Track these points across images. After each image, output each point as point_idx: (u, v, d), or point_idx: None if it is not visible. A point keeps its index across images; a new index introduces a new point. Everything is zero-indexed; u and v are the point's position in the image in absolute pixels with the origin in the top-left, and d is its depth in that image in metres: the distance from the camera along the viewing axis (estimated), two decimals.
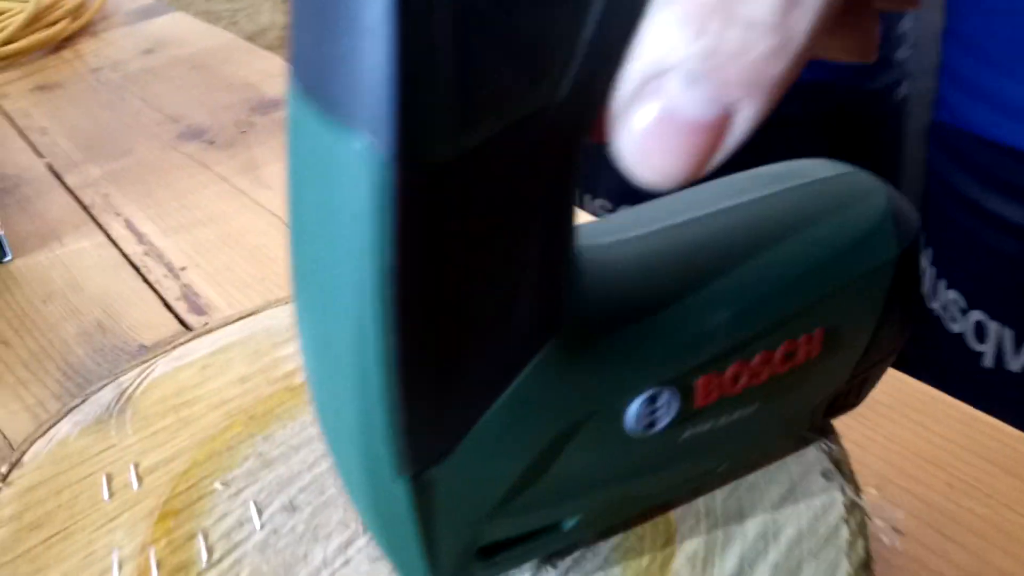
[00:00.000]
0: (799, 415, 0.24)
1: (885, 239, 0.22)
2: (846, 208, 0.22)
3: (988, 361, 0.63)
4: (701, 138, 0.14)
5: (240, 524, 0.25)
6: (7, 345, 0.43)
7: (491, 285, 0.16)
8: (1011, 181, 0.60)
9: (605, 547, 0.23)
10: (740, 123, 0.14)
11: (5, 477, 0.27)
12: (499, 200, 0.15)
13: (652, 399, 0.20)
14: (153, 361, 0.31)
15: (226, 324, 0.33)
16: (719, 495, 0.25)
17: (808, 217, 0.21)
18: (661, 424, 0.20)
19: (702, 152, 0.15)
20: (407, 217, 0.14)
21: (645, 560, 0.23)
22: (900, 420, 0.35)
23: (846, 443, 0.28)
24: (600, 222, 0.21)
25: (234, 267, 0.47)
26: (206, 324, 0.34)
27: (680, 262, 0.20)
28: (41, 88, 0.69)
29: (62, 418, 0.29)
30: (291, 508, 0.25)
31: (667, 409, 0.20)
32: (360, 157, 0.14)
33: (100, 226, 0.51)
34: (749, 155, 0.21)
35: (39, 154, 0.60)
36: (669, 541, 0.24)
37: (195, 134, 0.60)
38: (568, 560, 0.23)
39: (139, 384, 0.30)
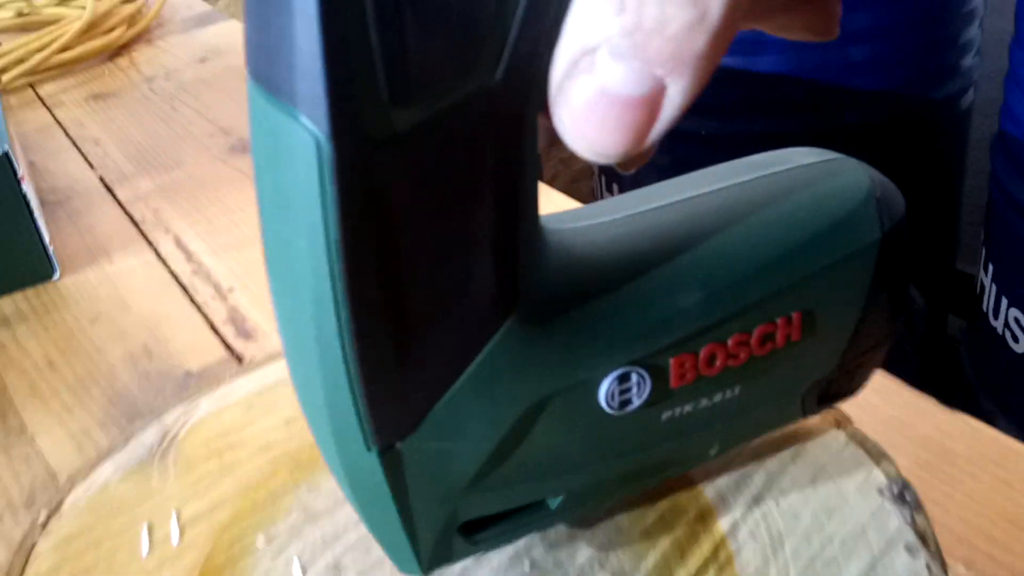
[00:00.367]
0: (786, 400, 0.24)
1: (867, 222, 0.21)
2: (825, 191, 0.21)
3: None
4: (635, 113, 0.15)
5: None
6: (53, 367, 0.42)
7: (443, 261, 0.17)
8: None
9: None
10: (673, 98, 0.15)
11: (44, 525, 0.26)
12: (444, 177, 0.16)
13: (623, 378, 0.20)
14: (197, 399, 0.31)
15: (271, 361, 0.32)
16: (793, 568, 0.23)
17: (784, 200, 0.21)
18: (635, 404, 0.20)
19: (638, 127, 0.15)
20: (347, 193, 0.15)
21: None
22: (981, 476, 0.33)
23: (924, 501, 0.27)
24: (574, 210, 0.21)
25: None
26: (251, 360, 0.33)
27: (648, 242, 0.20)
28: (95, 97, 0.70)
29: (104, 459, 0.28)
30: (336, 569, 0.24)
31: (640, 389, 0.20)
32: (301, 136, 0.15)
33: (149, 243, 0.51)
34: None
35: (91, 166, 0.60)
36: None
37: (245, 147, 0.60)
38: None
39: (183, 424, 0.30)
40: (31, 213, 0.46)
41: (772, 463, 0.26)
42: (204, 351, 0.42)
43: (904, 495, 0.25)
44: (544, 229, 0.19)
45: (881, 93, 0.91)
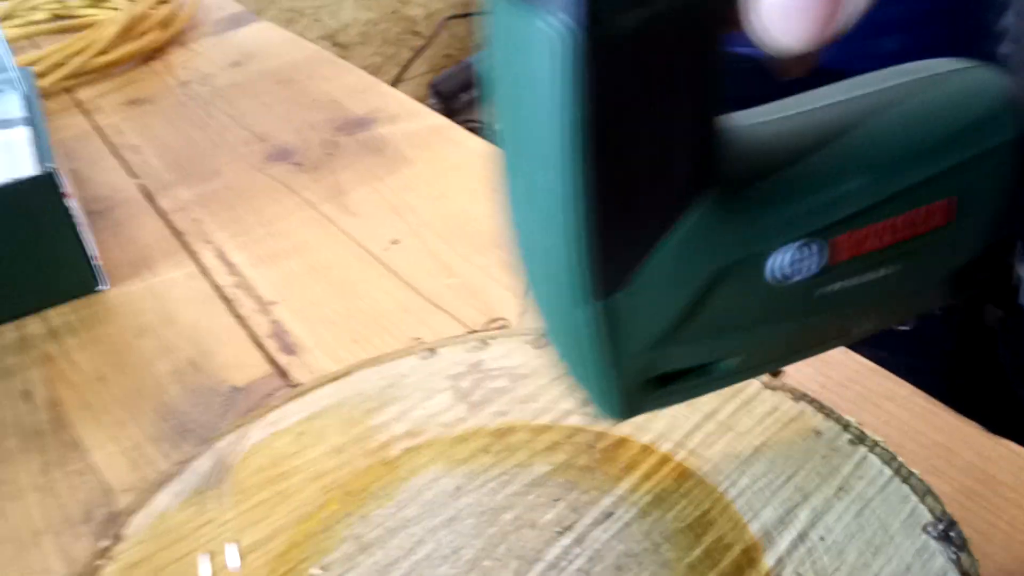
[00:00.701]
0: (934, 281, 0.26)
1: (1003, 122, 0.24)
2: (967, 90, 0.24)
3: None
4: (822, 4, 0.18)
5: None
6: (103, 382, 0.43)
7: (655, 138, 0.20)
8: None
9: None
10: None
11: (106, 552, 0.27)
12: (661, 68, 0.19)
13: (795, 250, 0.22)
14: (248, 425, 0.31)
15: (318, 386, 0.33)
16: None
17: (931, 97, 0.24)
18: (800, 276, 0.23)
19: (824, 17, 0.18)
20: (590, 79, 0.18)
21: None
22: None
23: (966, 529, 0.27)
24: (744, 112, 0.24)
25: (322, 304, 0.47)
26: (295, 378, 0.34)
27: (818, 129, 0.23)
28: (132, 102, 0.71)
29: (161, 487, 0.29)
30: None
31: (807, 262, 0.23)
32: (554, 33, 0.18)
33: (191, 254, 0.52)
34: None
35: (132, 174, 0.61)
36: None
37: (282, 155, 0.60)
38: None
39: (236, 452, 0.30)
40: (77, 228, 0.47)
41: (817, 498, 0.26)
42: (248, 366, 0.43)
43: (949, 534, 0.25)
44: (731, 118, 0.22)
45: None
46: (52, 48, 0.73)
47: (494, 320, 0.40)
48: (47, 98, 0.71)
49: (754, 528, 0.26)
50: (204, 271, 0.50)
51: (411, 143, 0.60)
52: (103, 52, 0.75)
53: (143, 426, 0.40)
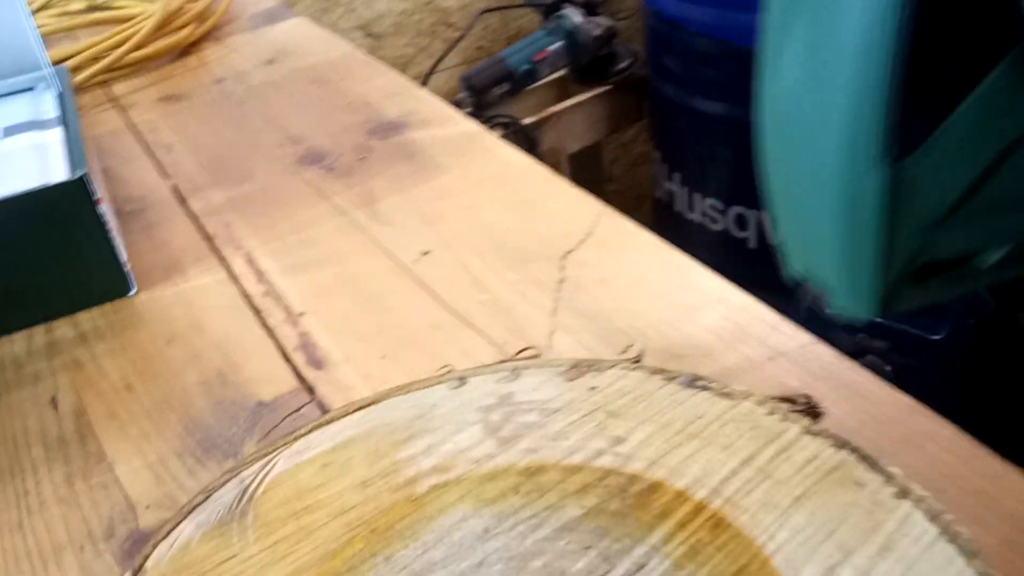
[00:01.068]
0: None
1: None
2: None
3: None
4: None
5: None
6: (131, 391, 0.43)
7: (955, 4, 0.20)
8: None
9: None
10: None
11: None
12: None
13: None
14: (274, 455, 0.31)
15: (346, 414, 0.32)
16: None
17: None
18: None
19: None
20: None
21: None
22: None
23: None
24: None
25: (352, 317, 0.46)
26: (324, 405, 0.33)
27: None
28: (167, 99, 0.70)
29: (184, 518, 0.29)
30: None
31: None
32: None
33: (222, 260, 0.51)
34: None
35: (165, 174, 0.60)
36: None
37: (315, 159, 0.60)
38: None
39: (260, 482, 0.30)
40: (108, 234, 0.47)
41: (860, 556, 0.25)
42: (276, 380, 0.42)
43: None
44: None
45: None
46: (88, 42, 0.73)
47: (525, 349, 0.39)
48: (81, 92, 0.71)
49: None
50: (234, 278, 0.50)
51: (444, 150, 0.59)
52: (140, 46, 0.75)
53: (168, 439, 0.40)
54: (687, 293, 0.44)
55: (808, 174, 0.23)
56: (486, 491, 0.29)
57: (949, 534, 0.26)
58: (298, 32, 0.80)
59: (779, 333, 0.41)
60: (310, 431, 0.32)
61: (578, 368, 0.33)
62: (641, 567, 0.26)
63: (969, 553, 0.26)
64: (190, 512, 0.29)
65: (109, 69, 0.73)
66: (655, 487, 0.28)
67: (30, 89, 0.58)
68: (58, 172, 0.47)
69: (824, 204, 0.23)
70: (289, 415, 0.40)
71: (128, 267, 0.49)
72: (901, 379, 0.37)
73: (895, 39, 0.20)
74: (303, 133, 0.63)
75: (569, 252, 0.48)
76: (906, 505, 0.27)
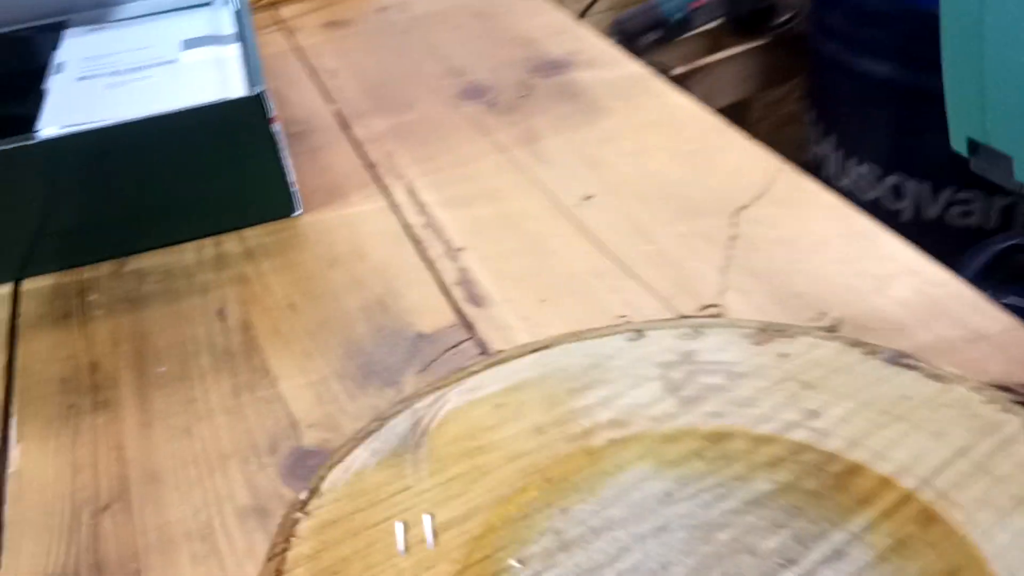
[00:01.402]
0: None
1: None
2: None
3: None
4: None
5: None
6: (295, 310, 0.44)
7: None
8: None
9: None
10: None
11: (304, 505, 0.27)
12: None
13: None
14: (446, 390, 0.30)
15: (519, 356, 0.31)
16: None
17: None
18: None
19: None
20: None
21: None
22: None
23: None
24: None
25: (511, 256, 0.45)
26: (499, 352, 0.32)
27: None
28: (332, 24, 0.70)
29: (359, 443, 0.29)
30: None
31: None
32: None
33: (383, 188, 0.51)
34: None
35: (329, 99, 0.61)
36: None
37: (476, 93, 0.59)
38: None
39: (434, 416, 0.29)
40: (279, 152, 0.47)
41: None
42: (435, 313, 0.42)
43: None
44: None
45: None
46: None
47: (707, 307, 0.37)
48: (253, 12, 0.72)
49: None
50: (395, 207, 0.49)
51: (609, 92, 0.57)
52: None
53: (330, 361, 0.40)
54: (876, 261, 0.41)
55: (1001, 28, 0.20)
56: (667, 452, 0.27)
57: None
58: None
59: (980, 314, 0.37)
60: (482, 369, 0.31)
61: (767, 332, 0.31)
62: (840, 554, 0.24)
63: None
64: (364, 438, 0.28)
65: None
66: (856, 469, 0.26)
67: (208, 4, 0.58)
68: (236, 87, 0.47)
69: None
70: (448, 350, 0.39)
71: (295, 187, 0.49)
72: None
73: None
74: (465, 66, 0.62)
75: (743, 208, 0.46)
76: None
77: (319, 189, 0.52)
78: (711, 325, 0.31)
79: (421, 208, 0.49)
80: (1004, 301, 0.33)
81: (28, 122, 0.46)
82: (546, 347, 0.31)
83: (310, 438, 0.36)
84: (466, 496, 0.27)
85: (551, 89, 0.58)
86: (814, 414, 0.28)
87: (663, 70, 1.20)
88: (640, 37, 1.23)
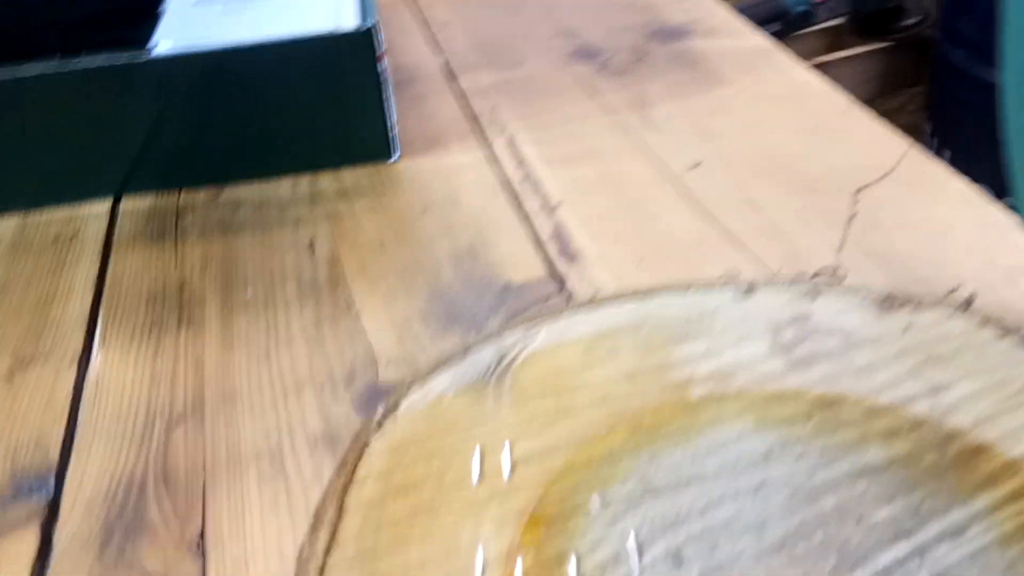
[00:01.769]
0: None
1: None
2: None
3: None
4: None
5: (616, 559, 0.22)
6: (384, 249, 0.43)
7: None
8: None
9: None
10: None
11: (380, 425, 0.25)
12: None
13: None
14: (535, 327, 0.29)
15: (614, 302, 0.29)
16: None
17: None
18: None
19: None
20: None
21: None
22: None
23: None
24: None
25: (610, 216, 0.43)
26: (593, 295, 0.30)
27: None
28: None
29: (441, 370, 0.27)
30: (677, 559, 0.21)
31: None
32: None
33: (484, 140, 0.50)
34: None
35: (438, 50, 0.60)
36: None
37: (588, 55, 0.57)
38: None
39: (520, 352, 0.28)
40: (384, 91, 0.47)
41: None
42: (526, 265, 0.40)
43: None
44: None
45: None
46: None
47: (824, 269, 0.35)
48: None
49: None
50: (494, 159, 0.48)
51: (729, 63, 0.54)
52: None
53: (415, 302, 0.39)
54: (1008, 254, 0.37)
55: None
56: (771, 412, 0.25)
57: None
58: None
59: None
60: (574, 313, 0.29)
61: (893, 301, 0.28)
62: (960, 532, 0.21)
63: None
64: (446, 366, 0.27)
65: None
66: (981, 449, 0.23)
67: None
68: (347, 20, 0.46)
69: None
70: (536, 302, 0.38)
71: (396, 131, 0.48)
72: None
73: None
74: (579, 27, 0.60)
75: (864, 187, 0.43)
76: None
77: (419, 137, 0.51)
78: (830, 289, 0.29)
79: (521, 162, 0.48)
80: None
81: (142, 44, 0.46)
82: (645, 295, 0.29)
83: (387, 374, 0.35)
84: (548, 433, 0.25)
85: (667, 56, 0.56)
86: (939, 389, 0.25)
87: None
88: (759, 28, 1.19)
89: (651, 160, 0.47)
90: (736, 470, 0.23)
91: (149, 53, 0.44)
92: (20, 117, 0.45)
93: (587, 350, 0.27)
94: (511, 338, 0.28)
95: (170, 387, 0.36)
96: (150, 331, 0.39)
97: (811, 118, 0.48)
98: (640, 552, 0.22)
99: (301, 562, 0.22)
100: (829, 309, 0.28)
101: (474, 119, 0.52)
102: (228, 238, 0.44)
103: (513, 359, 0.27)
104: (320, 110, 0.47)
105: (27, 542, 0.30)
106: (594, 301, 0.29)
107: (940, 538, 0.21)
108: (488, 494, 0.23)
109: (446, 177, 0.47)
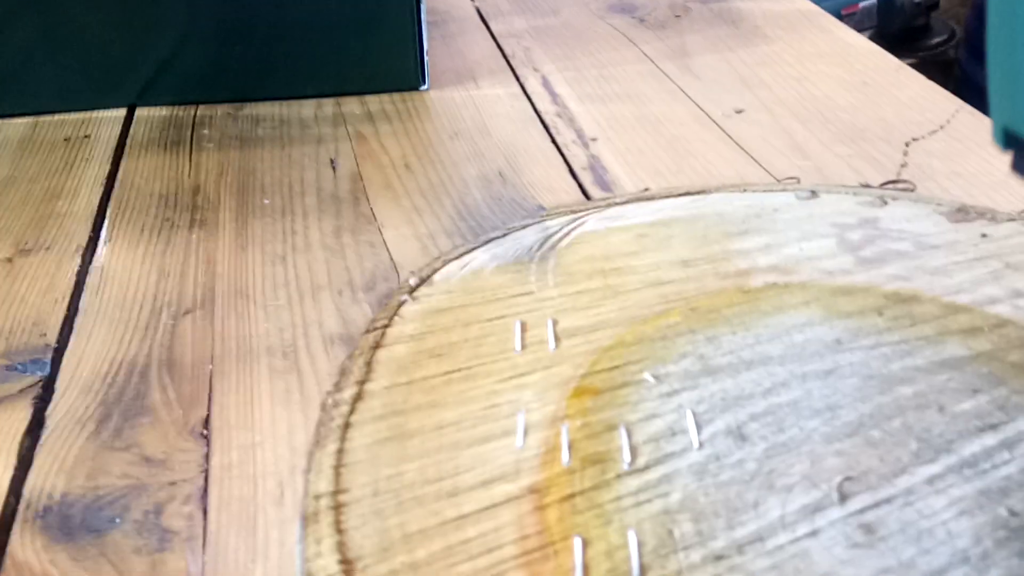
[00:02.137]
0: None
1: None
2: None
3: None
4: None
5: (672, 433, 0.19)
6: (409, 169, 0.41)
7: None
8: None
9: None
10: None
11: (413, 291, 0.23)
12: None
13: None
14: (583, 214, 0.27)
15: (670, 195, 0.28)
16: None
17: None
18: None
19: None
20: None
21: None
22: None
23: None
24: None
25: (647, 151, 0.41)
26: (646, 190, 0.28)
27: None
28: None
29: (479, 247, 0.25)
30: (739, 436, 0.19)
31: None
32: None
33: (517, 77, 0.48)
34: None
35: None
36: None
37: (626, 8, 0.55)
38: None
39: (567, 234, 0.26)
40: (418, 15, 0.45)
41: None
42: (559, 190, 0.38)
43: None
44: None
45: None
46: None
47: (893, 181, 0.33)
48: None
49: None
50: (527, 94, 0.46)
51: (772, 22, 0.53)
52: None
53: (440, 219, 0.37)
54: None
55: None
56: (839, 304, 0.23)
57: None
58: None
59: None
60: (626, 203, 0.27)
61: (966, 211, 0.26)
62: None
63: None
64: (486, 243, 0.25)
65: None
66: None
67: None
68: None
69: None
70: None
71: (427, 60, 0.46)
72: None
73: None
74: None
75: (915, 140, 0.41)
76: None
77: (449, 70, 0.49)
78: (899, 197, 0.27)
79: (555, 99, 0.46)
80: None
81: None
82: (702, 191, 0.28)
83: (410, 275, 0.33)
84: (595, 310, 0.23)
85: (708, 14, 0.54)
86: (1020, 293, 0.23)
87: None
88: None
89: (691, 103, 0.45)
90: (803, 355, 0.21)
91: None
92: (39, 17, 0.43)
93: (639, 236, 0.25)
94: (557, 221, 0.26)
95: (179, 282, 0.34)
96: (160, 229, 0.37)
97: (859, 75, 0.47)
98: (698, 427, 0.20)
99: (325, 411, 0.20)
100: (899, 216, 0.26)
101: (506, 58, 0.50)
102: (247, 150, 0.42)
103: (558, 240, 0.25)
104: (352, 30, 0.45)
105: (18, 416, 0.28)
106: (647, 193, 0.27)
107: None
108: (531, 362, 0.21)
109: (477, 107, 0.45)
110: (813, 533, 0.17)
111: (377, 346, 0.21)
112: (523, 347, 0.22)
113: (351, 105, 0.46)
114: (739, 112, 0.44)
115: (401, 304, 0.23)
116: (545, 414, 0.20)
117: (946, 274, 0.24)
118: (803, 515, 0.18)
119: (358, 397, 0.20)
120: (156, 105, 0.46)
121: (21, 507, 0.24)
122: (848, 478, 0.18)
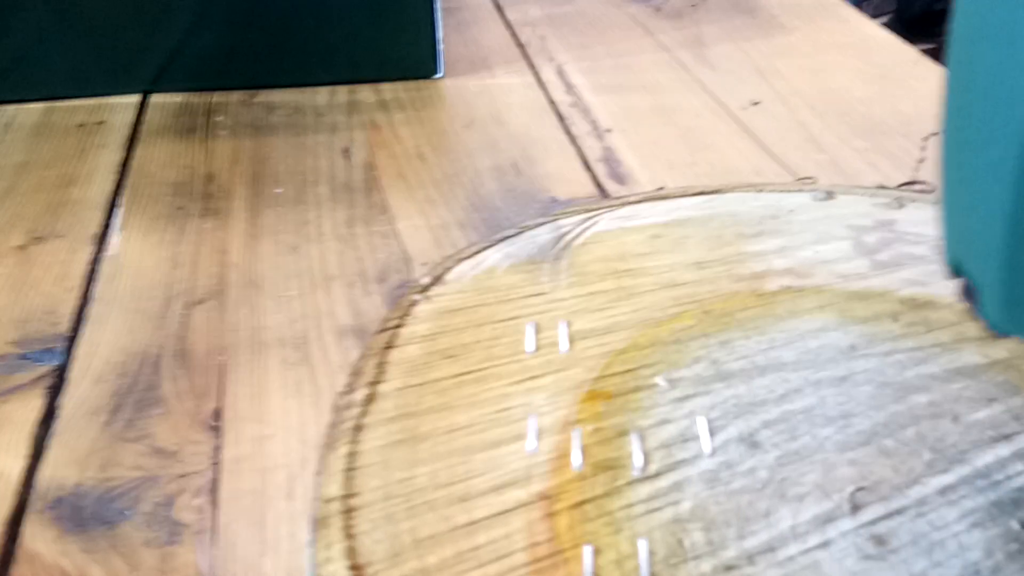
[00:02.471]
0: None
1: None
2: None
3: None
4: None
5: (684, 440, 0.19)
6: (423, 159, 0.41)
7: None
8: None
9: None
10: None
11: (425, 290, 0.23)
12: None
13: None
14: (597, 213, 0.26)
15: (684, 195, 0.27)
16: None
17: None
18: None
19: None
20: None
21: None
22: None
23: None
24: None
25: (663, 143, 0.41)
26: (660, 188, 0.28)
27: None
28: None
29: (492, 245, 0.25)
30: (751, 443, 0.19)
31: None
32: None
33: (531, 66, 0.48)
34: None
35: None
36: None
37: None
38: None
39: (580, 233, 0.26)
40: (434, 8, 0.45)
41: None
42: (573, 182, 0.38)
43: None
44: None
45: None
46: None
47: (911, 183, 0.32)
48: None
49: None
50: (542, 84, 0.46)
51: (790, 12, 0.52)
52: None
53: (454, 210, 0.37)
54: None
55: (986, 142, 0.17)
56: (854, 309, 0.23)
57: None
58: None
59: None
60: (640, 201, 0.27)
61: None
62: None
63: None
64: (499, 241, 0.25)
65: None
66: None
67: None
68: None
69: (997, 189, 0.17)
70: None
71: (442, 47, 0.46)
72: None
73: None
74: None
75: (934, 134, 0.41)
76: None
77: (464, 58, 0.49)
78: (917, 199, 0.26)
79: (569, 88, 0.45)
80: None
81: None
82: (717, 191, 0.27)
83: (423, 275, 0.33)
84: (609, 311, 0.23)
85: (725, 2, 0.54)
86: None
87: None
88: None
89: (707, 96, 0.44)
90: (817, 361, 0.21)
91: None
92: (52, 1, 0.43)
93: (652, 237, 0.25)
94: (569, 220, 0.26)
95: (192, 271, 0.34)
96: (173, 218, 0.37)
97: (877, 67, 0.46)
98: (711, 433, 0.20)
99: (337, 413, 0.20)
100: (916, 218, 0.26)
101: (521, 47, 0.50)
102: (260, 138, 0.42)
103: (572, 240, 0.25)
104: (366, 16, 0.45)
105: (31, 406, 0.28)
106: (661, 192, 0.27)
107: None
108: (543, 364, 0.21)
109: (491, 96, 0.45)
110: (824, 544, 0.17)
111: (389, 346, 0.21)
112: (536, 349, 0.22)
113: (365, 93, 0.46)
114: (755, 104, 0.44)
115: (413, 304, 0.23)
116: (556, 418, 0.20)
117: None
118: (815, 525, 0.17)
119: (370, 399, 0.20)
120: (170, 91, 0.46)
121: (33, 497, 0.24)
122: (860, 488, 0.18)
